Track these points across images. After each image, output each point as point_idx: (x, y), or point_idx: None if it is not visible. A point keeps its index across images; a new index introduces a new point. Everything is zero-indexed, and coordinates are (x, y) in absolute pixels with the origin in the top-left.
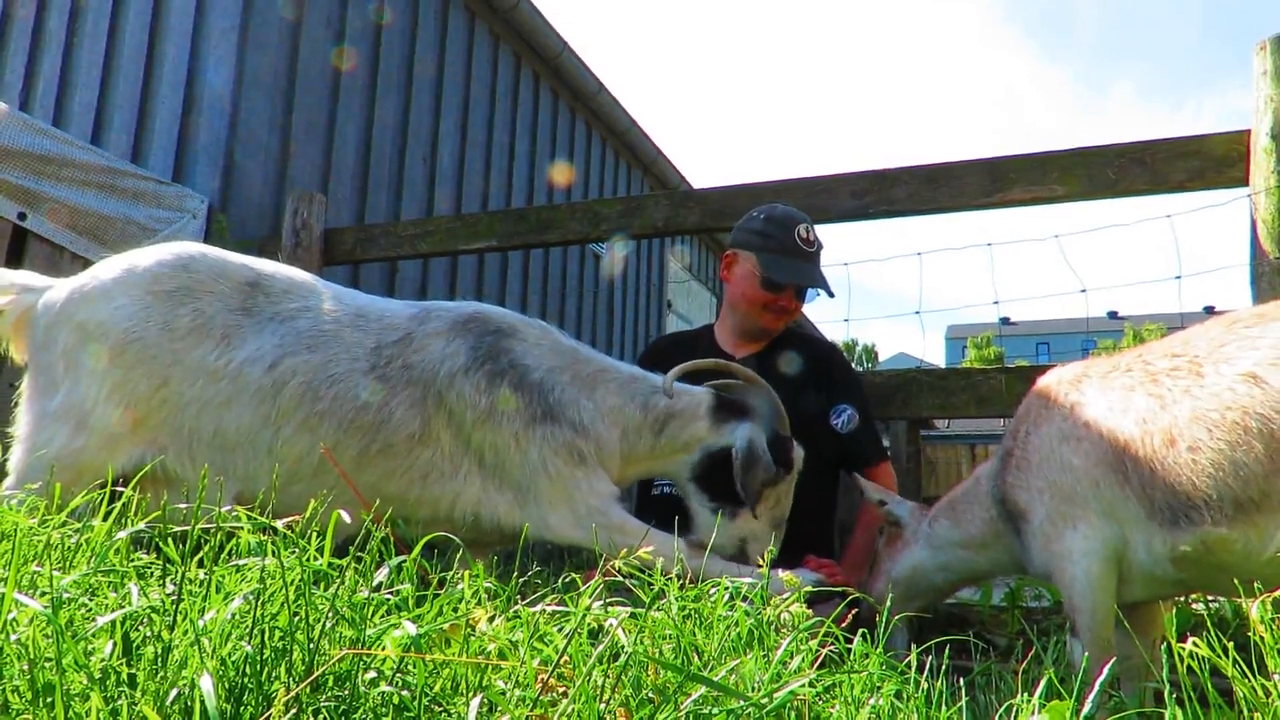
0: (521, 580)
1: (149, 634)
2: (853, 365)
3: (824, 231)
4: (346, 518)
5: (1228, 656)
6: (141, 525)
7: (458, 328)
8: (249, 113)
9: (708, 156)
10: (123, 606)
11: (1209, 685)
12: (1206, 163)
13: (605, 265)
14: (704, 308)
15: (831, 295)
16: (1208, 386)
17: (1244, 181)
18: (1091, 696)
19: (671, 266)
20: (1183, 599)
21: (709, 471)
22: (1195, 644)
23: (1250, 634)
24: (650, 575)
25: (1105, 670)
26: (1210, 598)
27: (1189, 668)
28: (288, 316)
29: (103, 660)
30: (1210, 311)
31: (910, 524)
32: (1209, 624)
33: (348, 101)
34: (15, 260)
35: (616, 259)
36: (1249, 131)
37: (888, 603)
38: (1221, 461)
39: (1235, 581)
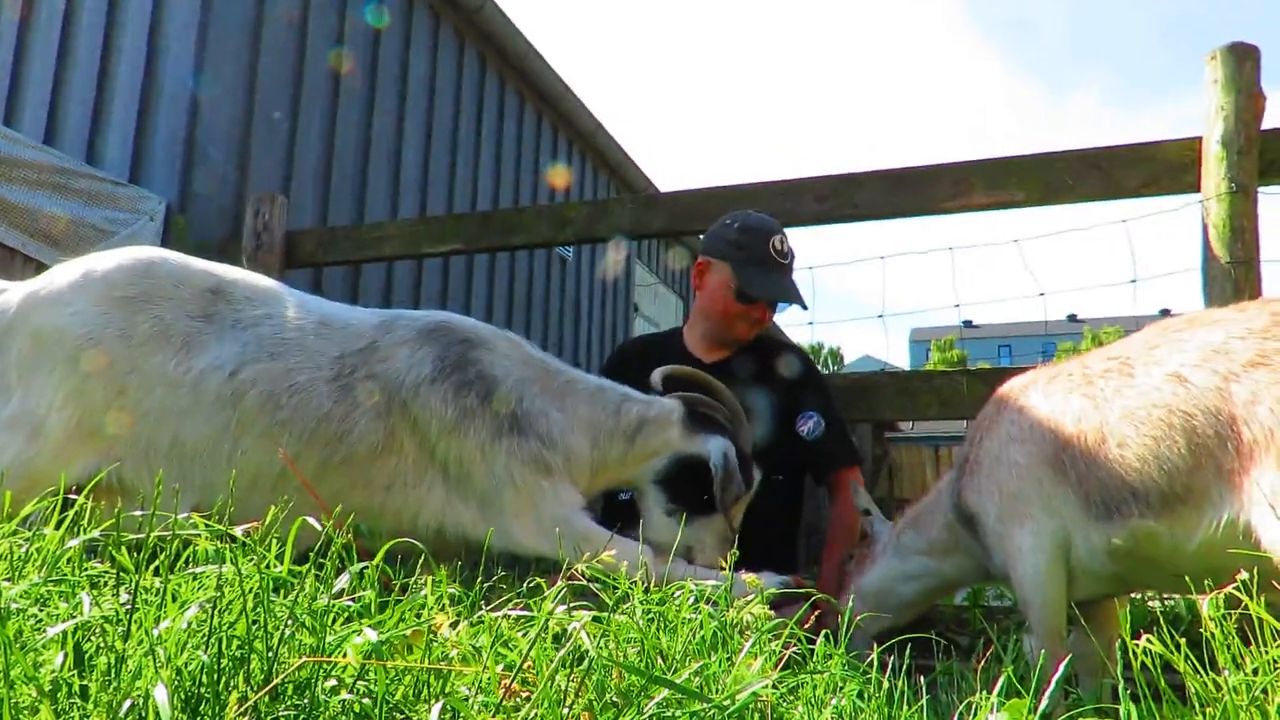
0: (486, 585)
1: (102, 644)
2: (819, 369)
3: (790, 235)
4: (315, 524)
5: (1180, 653)
6: (95, 534)
7: (424, 337)
8: (209, 112)
9: (675, 161)
10: (74, 616)
11: (1162, 681)
12: (1161, 169)
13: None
14: (670, 311)
15: (805, 308)
16: (1137, 386)
17: (1197, 187)
18: (1048, 693)
19: (638, 270)
20: (1137, 596)
21: (672, 477)
22: (1149, 641)
23: (1202, 630)
24: (615, 579)
25: (1061, 667)
26: (1165, 595)
27: (1143, 664)
28: (250, 324)
29: (53, 672)
30: (1166, 314)
31: (881, 539)
32: (1163, 621)
33: (310, 101)
34: None
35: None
36: (1201, 139)
37: (848, 606)
38: (1147, 456)
39: (1188, 578)
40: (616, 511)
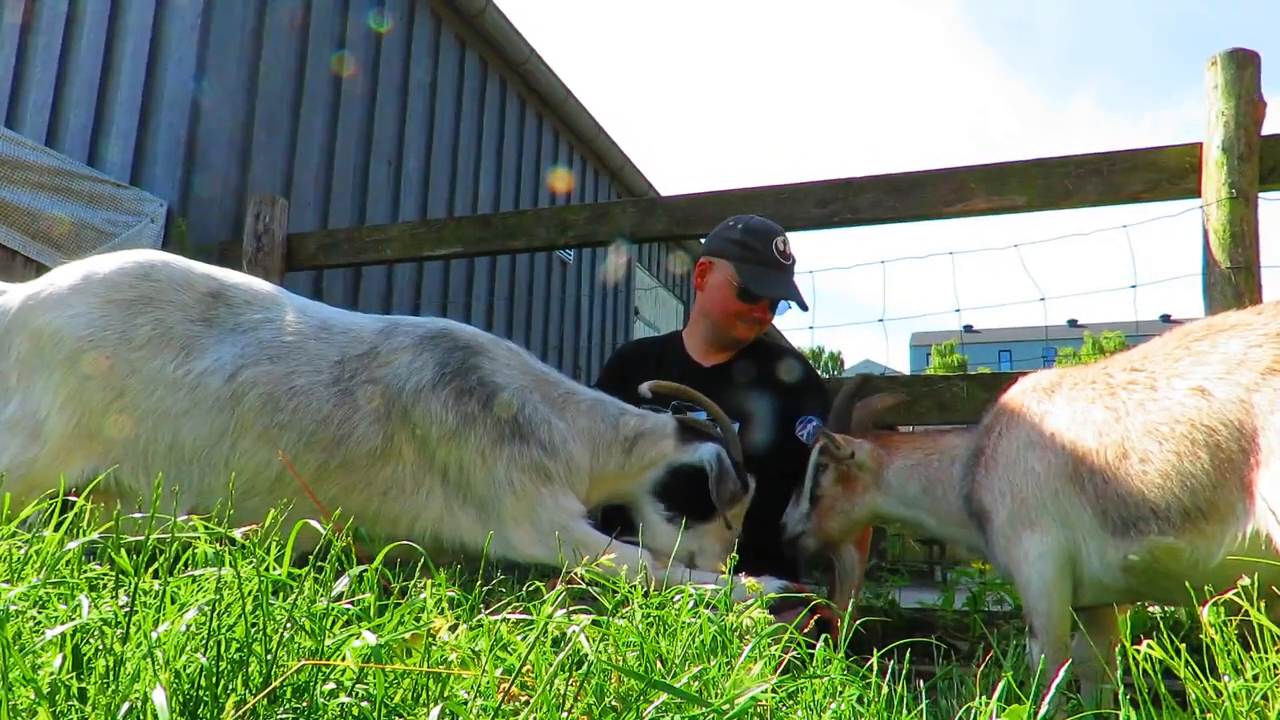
0: (485, 589)
1: (100, 647)
2: (819, 373)
3: (791, 239)
4: (317, 526)
5: (1181, 658)
6: (94, 536)
7: (425, 343)
8: (210, 114)
9: (675, 164)
10: (73, 619)
11: (1162, 687)
12: (1161, 174)
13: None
14: (671, 315)
15: (805, 308)
16: (1160, 400)
17: (1197, 193)
18: (1048, 698)
19: (638, 274)
20: (1139, 604)
21: (668, 487)
22: (1150, 646)
23: (1202, 636)
24: (614, 583)
25: (1061, 672)
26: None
27: (1144, 670)
28: (250, 327)
29: (52, 674)
30: (1167, 320)
31: (870, 466)
32: (1163, 627)
33: (311, 104)
34: None
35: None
36: (1201, 144)
37: (848, 611)
38: (1170, 472)
39: (1188, 587)
40: (615, 517)
